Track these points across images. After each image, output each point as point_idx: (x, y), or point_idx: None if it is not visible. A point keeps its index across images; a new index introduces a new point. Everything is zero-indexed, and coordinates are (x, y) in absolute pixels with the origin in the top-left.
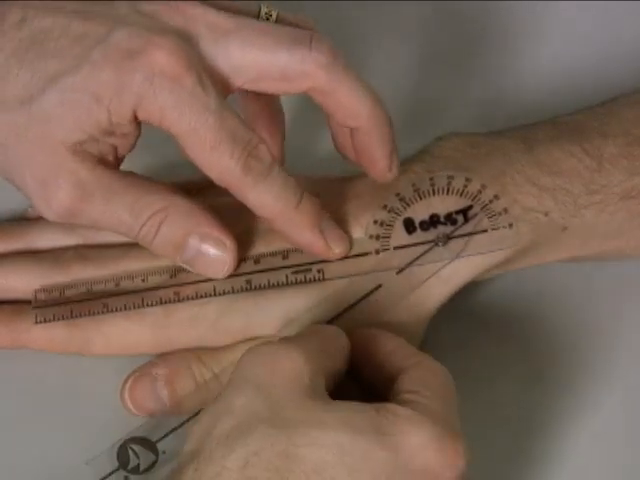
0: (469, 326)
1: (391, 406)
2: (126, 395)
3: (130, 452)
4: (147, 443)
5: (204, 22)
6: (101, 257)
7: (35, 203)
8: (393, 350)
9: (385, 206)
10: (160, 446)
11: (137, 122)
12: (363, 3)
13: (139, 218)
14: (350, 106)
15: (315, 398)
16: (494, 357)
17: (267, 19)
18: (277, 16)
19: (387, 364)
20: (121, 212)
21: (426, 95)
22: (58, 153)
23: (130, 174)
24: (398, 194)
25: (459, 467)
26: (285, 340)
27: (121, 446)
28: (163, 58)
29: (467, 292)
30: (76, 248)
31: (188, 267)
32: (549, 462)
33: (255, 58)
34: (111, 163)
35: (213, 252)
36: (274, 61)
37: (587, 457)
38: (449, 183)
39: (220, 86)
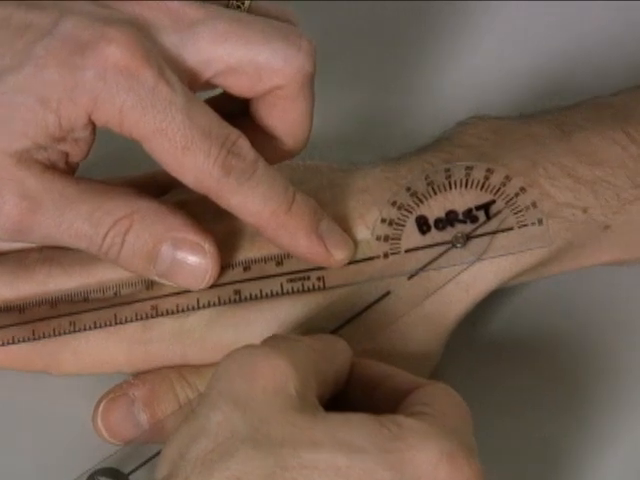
0: (491, 341)
1: (396, 417)
2: (99, 420)
3: None
4: (118, 475)
5: (166, 11)
6: (69, 260)
7: None
8: (398, 373)
9: (394, 202)
10: (133, 478)
11: (92, 127)
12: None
13: (100, 228)
14: (292, 122)
15: (303, 411)
16: (519, 375)
17: (238, 7)
18: (249, 5)
19: (392, 387)
20: (79, 223)
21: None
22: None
23: (85, 179)
24: (409, 188)
25: None
26: (267, 343)
27: (88, 478)
28: (116, 52)
29: (491, 302)
30: (41, 250)
31: (165, 281)
32: None
33: (229, 51)
34: (62, 170)
35: (191, 259)
36: (253, 56)
37: None
38: (468, 175)
39: (187, 80)
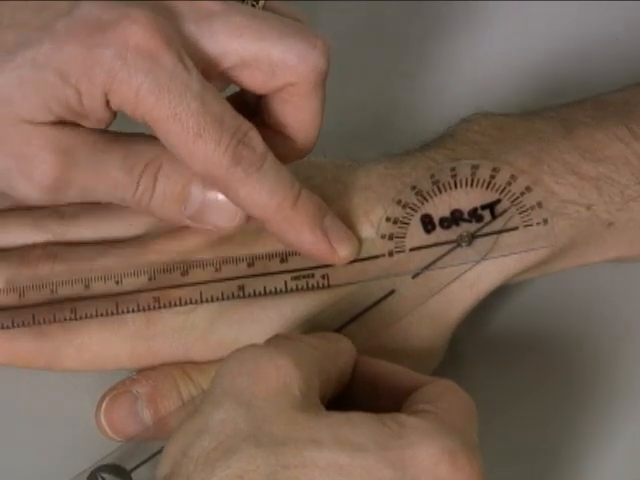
0: (493, 338)
1: (398, 416)
2: (102, 417)
3: None
4: (121, 472)
5: (185, 1)
6: (72, 257)
7: (13, 185)
8: (402, 371)
9: (399, 201)
10: (135, 476)
11: (111, 109)
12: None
13: (133, 173)
14: (303, 120)
15: (306, 410)
16: (521, 372)
17: (252, 6)
18: (264, 4)
19: (396, 385)
20: (114, 172)
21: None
22: (29, 127)
23: (109, 131)
24: (414, 187)
25: None
26: (271, 343)
27: (91, 475)
28: (138, 32)
29: (494, 298)
30: (45, 246)
31: (197, 224)
32: None
33: (245, 45)
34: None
35: (221, 198)
36: (267, 51)
37: None
38: (473, 173)
39: (202, 69)
